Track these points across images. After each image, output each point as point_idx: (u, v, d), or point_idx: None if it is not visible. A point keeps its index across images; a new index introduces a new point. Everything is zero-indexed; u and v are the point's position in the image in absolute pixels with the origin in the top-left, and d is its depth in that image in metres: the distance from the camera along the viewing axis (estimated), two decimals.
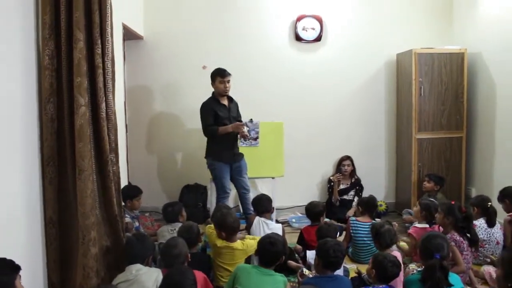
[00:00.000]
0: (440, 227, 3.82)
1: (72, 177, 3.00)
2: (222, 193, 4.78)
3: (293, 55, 5.78)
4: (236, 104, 4.93)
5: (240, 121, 4.83)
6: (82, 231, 2.95)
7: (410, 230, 4.00)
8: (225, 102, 4.77)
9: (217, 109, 4.66)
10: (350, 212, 5.29)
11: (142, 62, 5.65)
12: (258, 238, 3.30)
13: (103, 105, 2.95)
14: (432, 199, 4.33)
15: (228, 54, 5.60)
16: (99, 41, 2.95)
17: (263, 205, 4.12)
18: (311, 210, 4.23)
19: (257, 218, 4.04)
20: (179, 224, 3.91)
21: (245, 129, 4.71)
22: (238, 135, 4.75)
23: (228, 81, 4.66)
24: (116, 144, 3.12)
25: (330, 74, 5.81)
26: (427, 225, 3.95)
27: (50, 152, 2.94)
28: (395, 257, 3.03)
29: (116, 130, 3.11)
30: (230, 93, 4.79)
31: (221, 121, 4.66)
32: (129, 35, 5.24)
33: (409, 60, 5.40)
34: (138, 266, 2.85)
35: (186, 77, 5.69)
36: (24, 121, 2.79)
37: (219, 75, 4.64)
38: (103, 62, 2.95)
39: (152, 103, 5.72)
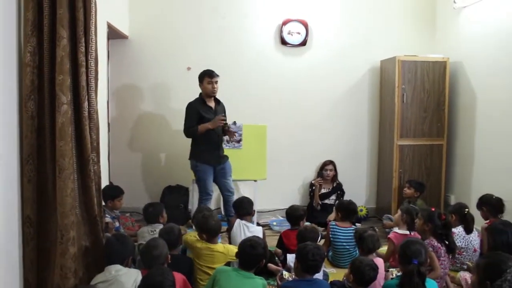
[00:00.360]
0: (417, 234, 3.88)
1: (51, 176, 2.95)
2: (204, 195, 4.76)
3: (278, 59, 5.80)
4: (223, 107, 4.92)
5: (226, 124, 4.81)
6: (60, 230, 2.90)
7: (390, 235, 4.04)
8: (211, 104, 4.76)
9: (202, 111, 4.65)
10: (331, 217, 5.29)
11: (126, 61, 5.61)
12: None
13: (86, 104, 2.91)
14: (412, 206, 4.38)
15: (213, 57, 5.59)
16: (82, 39, 2.92)
17: (244, 208, 4.12)
18: (292, 214, 4.24)
19: (237, 220, 4.04)
20: (160, 225, 3.89)
21: (230, 124, 4.71)
22: (224, 137, 4.74)
23: (216, 82, 4.66)
24: (98, 144, 3.09)
25: (314, 78, 5.84)
26: (407, 232, 3.99)
27: (29, 150, 2.88)
28: (372, 260, 3.07)
29: (98, 129, 3.08)
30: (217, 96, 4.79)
31: (205, 122, 4.62)
32: (114, 34, 5.20)
33: (393, 67, 5.47)
34: (118, 266, 2.82)
35: (170, 78, 5.66)
36: (4, 118, 2.73)
37: (208, 76, 4.64)
38: (87, 60, 2.91)
39: (136, 103, 5.67)
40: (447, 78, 5.48)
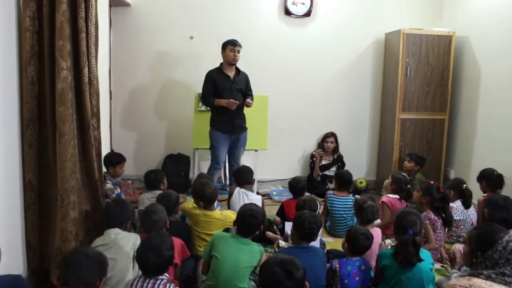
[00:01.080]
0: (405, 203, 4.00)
1: (52, 141, 2.98)
2: (214, 163, 4.87)
3: (282, 29, 5.75)
4: (246, 77, 4.96)
5: (250, 94, 4.90)
6: (61, 195, 2.95)
7: (383, 199, 4.11)
8: (230, 73, 4.81)
9: (217, 79, 4.74)
10: (331, 187, 5.36)
11: (129, 29, 5.57)
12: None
13: (86, 70, 2.91)
14: (404, 174, 4.42)
15: (216, 26, 5.55)
16: (82, 5, 2.90)
17: (244, 176, 4.16)
18: (295, 185, 4.28)
19: (237, 189, 4.08)
20: (160, 192, 3.94)
21: (248, 99, 4.79)
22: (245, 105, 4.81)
23: (238, 51, 4.73)
24: (98, 109, 3.11)
25: (318, 50, 5.80)
26: (397, 196, 4.05)
27: (30, 115, 2.90)
28: (368, 230, 3.11)
29: (98, 95, 3.09)
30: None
31: (220, 91, 4.72)
32: (116, 1, 5.16)
33: (397, 40, 5.41)
34: (117, 230, 2.87)
35: (173, 47, 5.63)
36: (4, 84, 2.75)
37: (231, 44, 4.71)
38: (87, 26, 2.90)
39: (138, 71, 5.66)
40: (452, 52, 5.43)
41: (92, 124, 3.04)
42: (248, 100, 4.79)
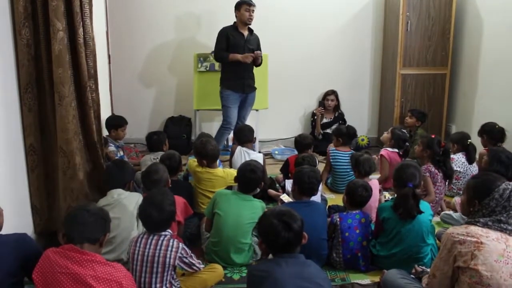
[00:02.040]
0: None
1: (51, 104, 2.99)
2: (225, 123, 4.90)
3: None
4: (257, 39, 4.95)
5: (260, 56, 4.86)
6: (67, 156, 2.99)
7: (382, 152, 4.15)
8: (244, 32, 4.80)
9: (232, 36, 4.73)
10: (331, 146, 5.37)
11: None
12: None
13: (80, 30, 2.88)
14: (404, 131, 4.43)
15: None
16: None
17: (245, 135, 4.18)
18: (300, 142, 4.30)
19: (238, 147, 4.10)
20: (162, 154, 3.97)
21: (258, 52, 4.77)
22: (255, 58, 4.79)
23: (253, 11, 4.72)
24: (95, 71, 3.09)
25: (317, 7, 5.70)
26: (396, 150, 4.08)
27: (28, 78, 2.90)
28: (365, 182, 3.15)
29: (95, 56, 3.07)
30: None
31: (234, 49, 4.71)
32: None
33: None
34: (120, 190, 2.91)
35: (170, 7, 5.54)
36: None
37: (246, 3, 4.69)
38: None
39: (136, 33, 5.58)
40: (453, 5, 5.31)
41: (89, 86, 3.03)
42: (258, 51, 4.79)
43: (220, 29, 4.79)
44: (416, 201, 2.80)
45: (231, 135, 5.07)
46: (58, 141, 2.98)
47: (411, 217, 2.78)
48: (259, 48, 4.94)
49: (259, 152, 4.82)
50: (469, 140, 4.22)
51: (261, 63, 4.89)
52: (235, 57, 4.67)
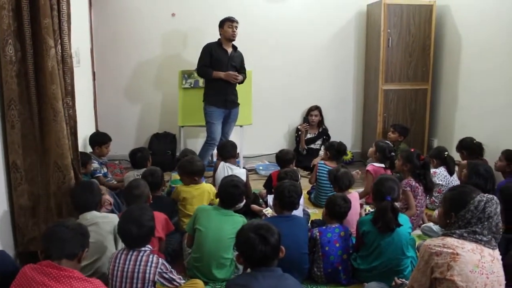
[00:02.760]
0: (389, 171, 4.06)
1: (38, 120, 2.97)
2: (209, 139, 4.94)
3: (263, 3, 5.71)
4: (241, 56, 5.01)
5: (244, 73, 4.97)
6: (62, 171, 2.99)
7: (368, 167, 4.17)
8: (228, 48, 4.87)
9: (215, 52, 4.79)
10: (316, 161, 5.41)
11: (110, 8, 5.49)
12: None
13: (58, 48, 2.89)
14: (387, 142, 4.49)
15: (197, 2, 5.51)
16: None
17: (228, 151, 4.20)
18: (282, 157, 4.32)
19: (222, 163, 4.12)
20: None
21: (240, 77, 4.86)
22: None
23: (236, 27, 4.80)
24: (73, 87, 3.09)
25: (300, 23, 5.79)
26: (383, 165, 4.12)
27: (11, 95, 2.87)
28: (345, 195, 3.19)
29: (72, 73, 3.07)
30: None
31: (217, 65, 4.77)
32: None
33: (379, 10, 5.42)
34: (93, 213, 2.84)
35: (156, 25, 5.58)
36: None
37: (228, 20, 4.79)
38: (58, 3, 2.86)
39: (121, 50, 5.60)
40: (433, 21, 5.45)
41: (66, 103, 3.04)
42: (239, 78, 4.87)
43: (206, 43, 4.85)
44: (394, 214, 2.84)
45: (215, 151, 5.08)
46: (52, 157, 2.97)
47: (390, 230, 2.82)
48: (242, 65, 5.00)
49: (243, 167, 4.85)
50: (446, 153, 4.31)
51: (243, 81, 4.95)
52: (218, 75, 4.74)
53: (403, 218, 2.91)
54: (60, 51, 2.91)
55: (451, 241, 2.12)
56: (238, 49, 4.97)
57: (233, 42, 4.91)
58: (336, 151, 4.48)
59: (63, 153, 2.97)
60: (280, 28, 5.77)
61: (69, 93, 3.08)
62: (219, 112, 4.89)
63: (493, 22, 4.66)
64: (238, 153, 4.41)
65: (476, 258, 2.05)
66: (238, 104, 5.04)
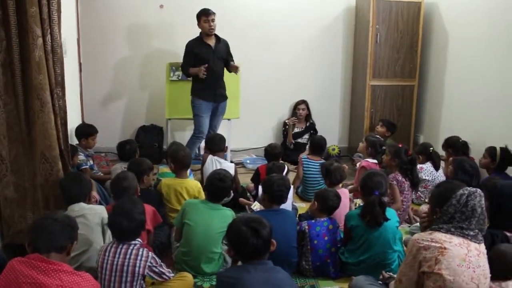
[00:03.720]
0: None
1: (25, 111, 2.93)
2: (197, 132, 4.92)
3: None
4: (226, 44, 4.95)
5: (232, 61, 4.92)
6: (49, 163, 2.94)
7: (363, 163, 4.16)
8: (211, 42, 4.80)
9: (198, 50, 4.73)
10: (303, 155, 5.42)
11: None
12: None
13: (48, 37, 2.84)
14: (377, 136, 4.52)
15: None
16: None
17: (217, 144, 4.19)
18: (270, 152, 4.33)
19: (210, 156, 4.11)
20: None
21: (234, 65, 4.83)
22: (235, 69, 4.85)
23: (213, 20, 4.70)
24: (63, 78, 3.04)
25: (289, 17, 5.77)
26: (376, 161, 4.15)
27: None
28: (336, 190, 3.20)
29: (62, 63, 3.01)
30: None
31: (202, 62, 4.70)
32: None
33: (368, 6, 5.41)
34: (81, 204, 2.81)
35: (143, 16, 5.53)
36: None
37: (203, 15, 4.68)
38: None
39: (108, 41, 5.55)
40: (421, 18, 5.47)
41: (56, 93, 2.99)
42: (232, 63, 4.84)
43: (190, 39, 4.82)
44: (382, 209, 2.86)
45: (202, 144, 5.08)
46: (39, 148, 2.92)
47: (378, 224, 2.84)
48: (230, 54, 4.96)
49: (231, 162, 4.84)
50: (431, 148, 4.36)
51: (237, 68, 4.90)
52: (194, 72, 4.71)
53: (390, 212, 2.94)
54: (50, 41, 2.86)
55: (439, 235, 2.14)
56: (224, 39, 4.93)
57: (219, 34, 4.85)
58: (317, 145, 4.49)
59: (51, 145, 2.92)
60: (268, 22, 5.74)
61: (59, 83, 3.03)
62: (207, 105, 4.87)
63: (481, 20, 4.69)
64: (226, 147, 4.39)
65: (463, 252, 2.08)
66: (226, 98, 5.02)
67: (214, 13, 4.70)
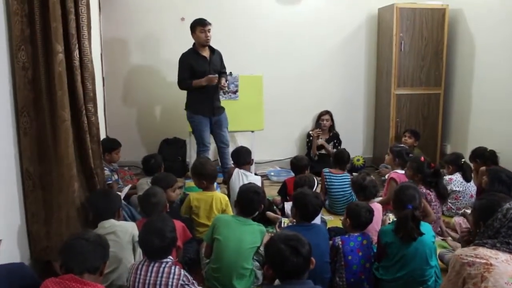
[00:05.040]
0: None
1: (50, 127, 2.92)
2: (201, 146, 4.79)
3: (273, 7, 5.67)
4: (220, 55, 4.84)
5: (224, 73, 4.78)
6: (66, 182, 2.91)
7: (392, 175, 4.05)
8: (205, 53, 4.68)
9: (195, 62, 4.60)
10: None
11: (119, 12, 5.45)
12: None
13: (76, 53, 2.83)
14: (402, 145, 4.43)
15: (206, 6, 5.43)
16: None
17: (243, 157, 4.15)
18: (296, 164, 4.27)
19: (236, 169, 4.06)
20: None
21: (223, 81, 4.66)
22: (219, 88, 4.69)
23: (209, 30, 4.57)
24: (94, 94, 3.03)
25: (311, 27, 5.74)
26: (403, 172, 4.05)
27: (24, 102, 2.83)
28: (368, 204, 3.12)
29: (93, 79, 3.01)
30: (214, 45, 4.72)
31: (199, 74, 4.58)
32: None
33: (391, 14, 5.36)
34: (111, 221, 2.80)
35: (164, 29, 5.54)
36: None
37: (199, 24, 4.55)
38: (76, 6, 2.81)
39: (130, 55, 5.57)
40: (446, 25, 5.38)
41: (87, 109, 2.97)
42: (223, 82, 4.68)
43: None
44: (416, 223, 2.76)
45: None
46: (57, 166, 2.91)
47: (413, 239, 2.74)
48: (223, 66, 4.86)
49: (255, 174, 4.78)
50: (463, 160, 4.24)
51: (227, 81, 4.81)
52: (200, 83, 4.55)
53: (426, 227, 2.84)
54: (78, 56, 2.84)
55: (483, 251, 2.06)
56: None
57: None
58: (341, 159, 4.41)
59: (68, 163, 2.89)
60: (290, 32, 5.71)
61: (91, 99, 3.02)
62: (205, 119, 4.74)
63: (507, 26, 4.59)
64: (252, 160, 4.33)
65: (511, 269, 1.98)
66: (224, 109, 4.89)
67: (210, 24, 4.57)
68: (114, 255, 2.61)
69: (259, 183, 3.69)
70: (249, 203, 2.96)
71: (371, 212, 2.98)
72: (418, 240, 2.74)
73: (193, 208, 3.44)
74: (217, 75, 4.60)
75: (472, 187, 4.19)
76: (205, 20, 4.55)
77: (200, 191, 3.54)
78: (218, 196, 3.51)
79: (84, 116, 2.97)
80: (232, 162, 4.46)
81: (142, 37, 5.55)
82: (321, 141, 5.54)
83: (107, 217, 2.80)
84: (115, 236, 2.68)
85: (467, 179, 4.17)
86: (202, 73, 4.58)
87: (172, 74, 5.52)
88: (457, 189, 4.14)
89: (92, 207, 2.89)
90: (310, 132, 5.74)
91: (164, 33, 5.55)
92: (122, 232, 2.72)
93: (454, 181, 4.16)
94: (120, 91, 5.63)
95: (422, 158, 3.82)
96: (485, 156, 4.26)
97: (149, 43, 5.57)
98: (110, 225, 2.75)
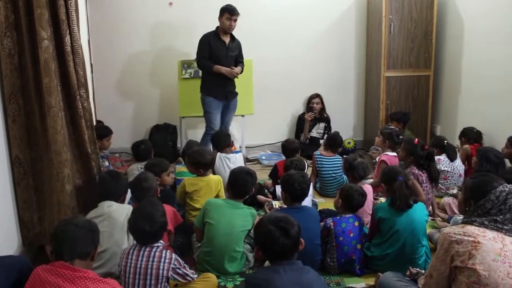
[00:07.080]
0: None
1: (39, 114, 2.90)
2: (208, 129, 4.87)
3: None
4: (239, 45, 4.92)
5: (241, 62, 4.88)
6: (55, 168, 2.91)
7: (382, 157, 4.06)
8: (226, 39, 4.77)
9: (214, 44, 4.70)
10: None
11: None
12: None
13: (67, 38, 2.80)
14: (392, 127, 4.45)
15: None
16: None
17: (223, 140, 4.18)
18: (287, 147, 4.29)
19: (218, 154, 4.08)
20: None
21: (238, 69, 4.80)
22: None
23: (235, 20, 4.67)
24: (86, 79, 3.01)
25: (300, 10, 5.70)
26: (395, 153, 4.08)
27: (11, 89, 2.81)
28: (361, 187, 3.13)
29: (84, 64, 2.99)
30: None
31: (216, 57, 4.69)
32: None
33: None
34: (110, 202, 2.82)
35: (152, 15, 5.48)
36: None
37: (228, 12, 4.64)
38: None
39: (118, 41, 5.51)
40: (435, 7, 5.35)
41: (80, 95, 2.95)
42: (237, 70, 4.79)
43: (205, 33, 4.77)
44: (409, 190, 2.82)
45: None
46: (47, 152, 2.89)
47: (408, 206, 2.79)
48: (240, 54, 4.93)
49: (247, 158, 4.79)
50: (445, 141, 4.34)
51: (241, 71, 4.88)
52: (220, 70, 4.66)
53: (419, 206, 2.88)
54: (69, 42, 2.81)
55: (471, 229, 2.08)
56: (237, 37, 4.88)
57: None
58: (330, 141, 4.43)
59: (56, 149, 2.88)
60: (280, 16, 5.68)
61: (83, 85, 3.00)
62: (218, 103, 4.83)
63: (496, 7, 4.59)
64: (232, 142, 4.35)
65: (498, 247, 2.01)
66: (237, 94, 4.97)
67: (239, 14, 4.66)
68: (109, 235, 2.65)
69: (241, 159, 3.76)
70: (243, 184, 2.98)
71: (363, 195, 3.01)
72: (411, 217, 2.79)
73: (189, 193, 3.44)
74: (237, 70, 4.74)
75: (460, 166, 4.25)
76: (235, 9, 4.63)
77: (194, 177, 3.53)
78: (214, 178, 3.52)
79: (78, 102, 2.96)
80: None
81: (130, 22, 5.48)
82: None
83: (110, 198, 2.83)
84: (110, 217, 2.71)
85: (451, 158, 4.23)
86: (218, 55, 4.69)
87: (161, 59, 5.52)
88: (446, 169, 4.19)
89: (100, 187, 2.93)
90: (305, 116, 5.72)
91: (152, 18, 5.49)
92: (118, 212, 2.74)
93: (442, 161, 4.21)
94: (108, 77, 5.57)
95: (416, 140, 3.83)
96: (470, 135, 4.42)
97: (136, 28, 5.51)
98: (108, 205, 2.78)
